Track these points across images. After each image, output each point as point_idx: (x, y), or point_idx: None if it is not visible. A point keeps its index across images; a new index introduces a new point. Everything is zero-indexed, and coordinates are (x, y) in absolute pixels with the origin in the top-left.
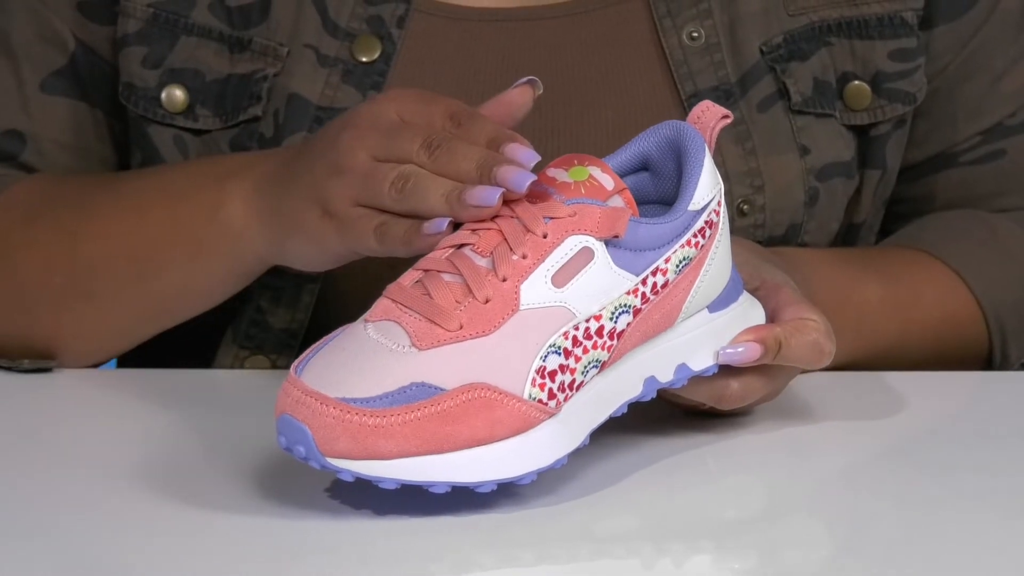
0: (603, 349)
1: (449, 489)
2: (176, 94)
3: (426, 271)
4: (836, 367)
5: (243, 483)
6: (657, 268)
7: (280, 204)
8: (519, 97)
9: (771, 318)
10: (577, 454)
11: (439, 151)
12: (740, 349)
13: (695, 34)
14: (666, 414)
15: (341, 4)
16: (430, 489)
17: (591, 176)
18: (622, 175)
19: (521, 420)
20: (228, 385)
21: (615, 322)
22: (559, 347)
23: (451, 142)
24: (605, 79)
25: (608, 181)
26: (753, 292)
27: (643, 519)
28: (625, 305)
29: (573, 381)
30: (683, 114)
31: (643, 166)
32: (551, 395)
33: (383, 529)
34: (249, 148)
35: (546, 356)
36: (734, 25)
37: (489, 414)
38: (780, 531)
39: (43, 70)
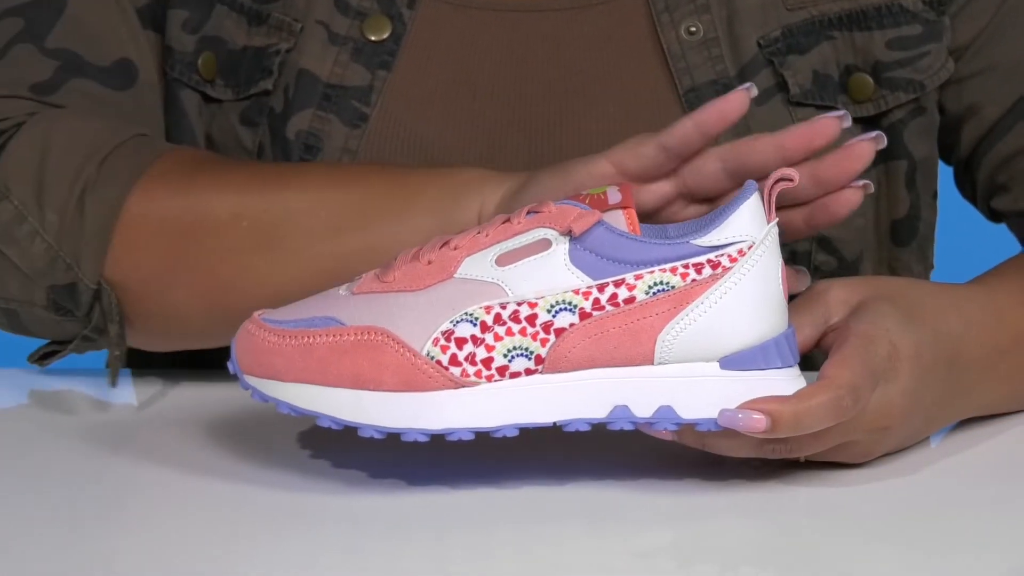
0: (535, 340)
1: (338, 427)
2: (210, 60)
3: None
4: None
5: (248, 483)
6: (623, 281)
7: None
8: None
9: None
10: (595, 472)
11: None
12: (740, 415)
13: (692, 29)
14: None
15: None
16: (318, 422)
17: (605, 192)
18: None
19: (411, 373)
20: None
21: (553, 316)
22: (475, 318)
23: None
24: (607, 74)
25: (615, 197)
26: (829, 330)
27: (675, 537)
28: (569, 303)
29: (490, 360)
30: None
31: None
32: (455, 361)
33: (400, 543)
34: (258, 123)
35: (458, 322)
36: (732, 20)
37: (376, 356)
38: (820, 548)
39: (138, 1)
